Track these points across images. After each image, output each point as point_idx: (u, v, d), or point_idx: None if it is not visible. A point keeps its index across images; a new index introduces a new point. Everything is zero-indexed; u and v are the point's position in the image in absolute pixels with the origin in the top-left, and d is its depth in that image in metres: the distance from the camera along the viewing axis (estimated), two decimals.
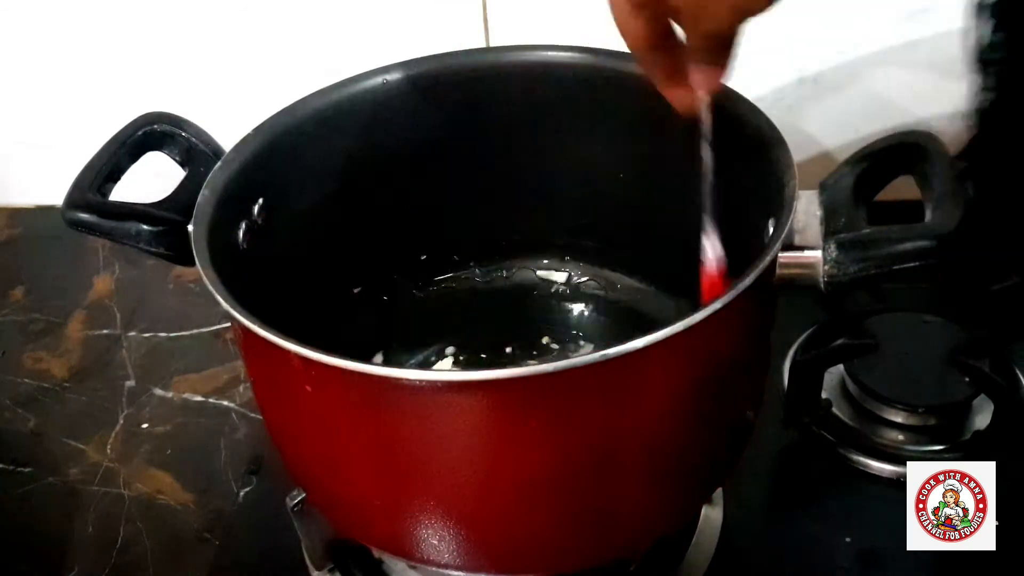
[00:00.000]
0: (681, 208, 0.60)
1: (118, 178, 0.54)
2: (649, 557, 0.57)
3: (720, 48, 0.45)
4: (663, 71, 0.48)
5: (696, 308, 0.41)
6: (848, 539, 0.59)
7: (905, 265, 0.45)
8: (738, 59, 0.46)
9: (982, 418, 0.64)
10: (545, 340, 0.70)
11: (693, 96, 0.48)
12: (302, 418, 0.48)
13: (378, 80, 0.61)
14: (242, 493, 0.66)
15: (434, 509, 0.47)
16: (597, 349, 0.40)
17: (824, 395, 0.65)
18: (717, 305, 0.41)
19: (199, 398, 0.75)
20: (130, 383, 0.77)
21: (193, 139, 0.56)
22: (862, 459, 0.63)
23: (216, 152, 0.56)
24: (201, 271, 0.46)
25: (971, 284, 0.71)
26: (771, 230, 0.46)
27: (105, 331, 0.82)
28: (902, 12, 0.74)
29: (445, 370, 0.67)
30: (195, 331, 0.81)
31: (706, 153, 0.50)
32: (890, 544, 0.57)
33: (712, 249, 0.51)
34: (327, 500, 0.53)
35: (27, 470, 0.70)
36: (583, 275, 0.72)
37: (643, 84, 0.60)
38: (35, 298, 0.88)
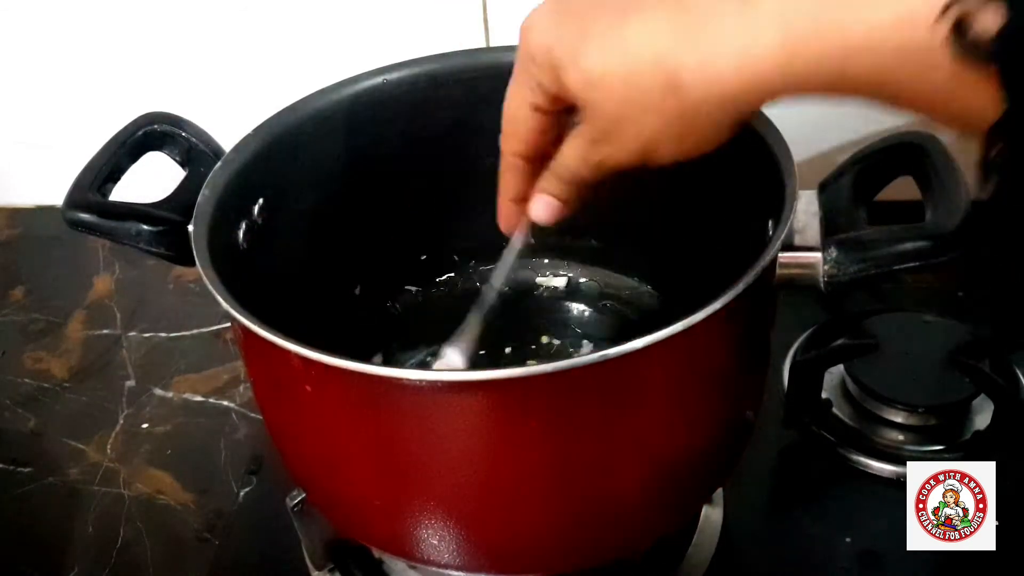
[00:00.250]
0: (680, 208, 0.60)
1: (118, 178, 0.54)
2: (649, 557, 0.57)
3: (584, 187, 0.43)
4: (518, 184, 0.45)
5: (696, 308, 0.41)
6: (848, 539, 0.59)
7: (905, 265, 0.45)
8: None
9: (982, 418, 0.64)
10: (545, 340, 0.70)
11: (521, 219, 0.47)
12: (302, 418, 0.48)
13: (378, 80, 0.61)
14: (242, 493, 0.66)
15: (434, 509, 0.47)
16: (597, 349, 0.40)
17: (824, 395, 0.65)
18: (717, 305, 0.41)
19: (199, 398, 0.75)
20: (130, 383, 0.77)
21: (193, 139, 0.56)
22: (862, 459, 0.63)
23: (216, 152, 0.56)
24: (201, 271, 0.46)
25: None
26: (771, 230, 0.46)
27: (105, 331, 0.82)
28: None
29: (445, 370, 0.66)
30: (195, 331, 0.81)
31: (502, 270, 0.49)
32: (890, 544, 0.57)
33: None
34: (327, 500, 0.53)
35: (27, 470, 0.70)
36: (583, 275, 0.72)
37: None
38: (35, 298, 0.88)
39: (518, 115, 0.43)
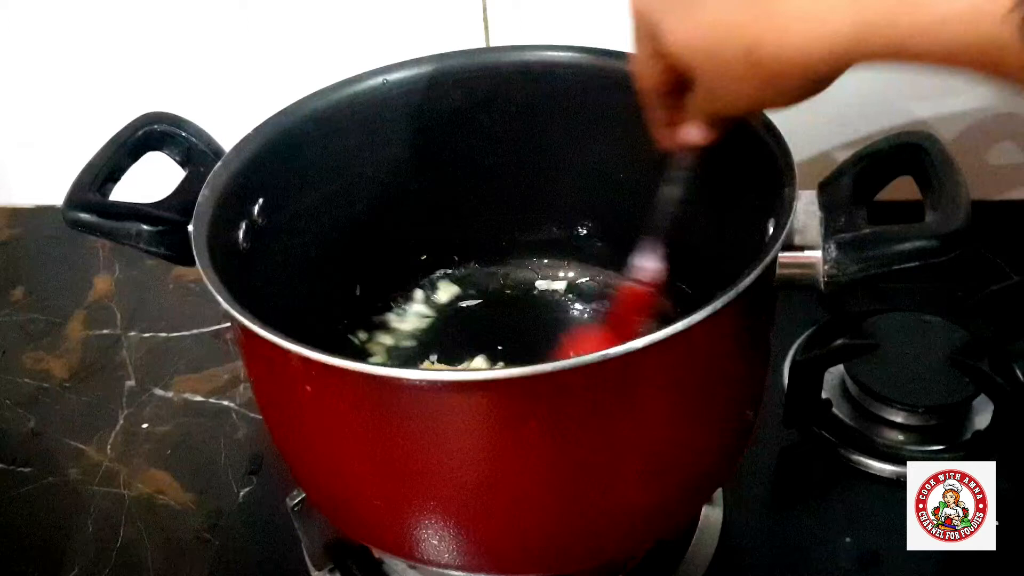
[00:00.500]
0: (680, 208, 0.60)
1: (118, 178, 0.54)
2: (649, 557, 0.57)
3: (722, 122, 0.46)
4: (661, 117, 0.49)
5: (696, 308, 0.41)
6: (848, 539, 0.59)
7: (905, 265, 0.45)
8: None
9: (982, 418, 0.64)
10: (545, 339, 0.70)
11: (679, 143, 0.49)
12: (302, 418, 0.48)
13: (378, 80, 0.61)
14: (242, 493, 0.66)
15: (434, 509, 0.47)
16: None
17: (824, 395, 0.65)
18: (717, 305, 0.41)
19: (199, 398, 0.75)
20: (130, 383, 0.77)
21: (193, 139, 0.56)
22: (862, 459, 0.63)
23: (216, 152, 0.56)
24: (201, 271, 0.46)
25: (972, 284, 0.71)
26: (771, 230, 0.46)
27: (105, 331, 0.82)
28: None
29: (445, 370, 0.66)
30: (195, 331, 0.81)
31: (670, 189, 0.51)
32: (890, 544, 0.57)
33: (649, 264, 0.53)
34: (327, 500, 0.53)
35: (27, 470, 0.70)
36: (583, 275, 0.72)
37: None
38: (35, 298, 0.88)
39: (641, 66, 0.46)
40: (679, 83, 0.45)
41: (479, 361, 0.67)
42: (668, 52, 0.42)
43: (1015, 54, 0.33)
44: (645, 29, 0.44)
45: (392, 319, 0.70)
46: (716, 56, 0.40)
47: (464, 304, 0.72)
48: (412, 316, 0.71)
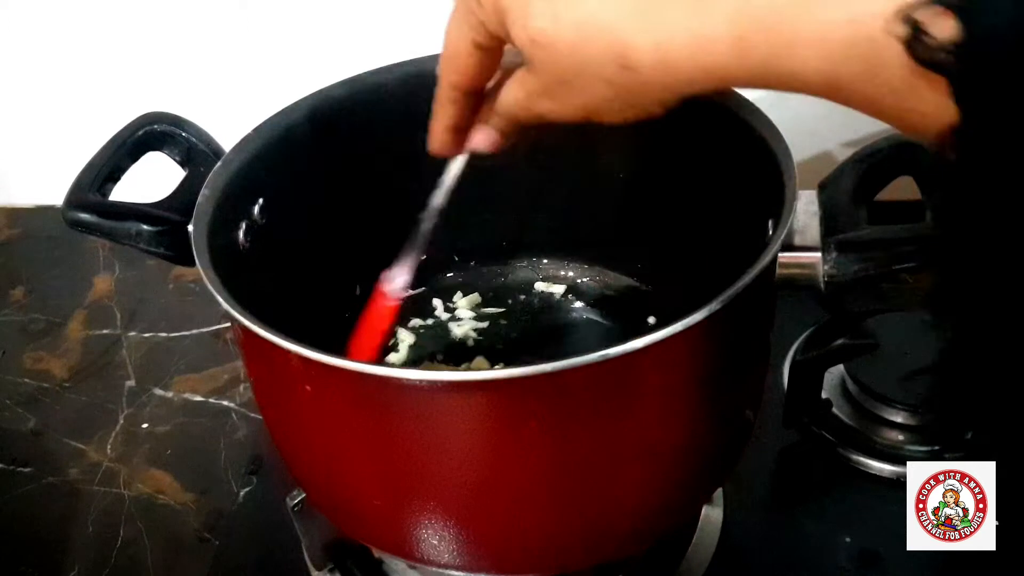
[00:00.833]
0: (680, 208, 0.60)
1: (118, 178, 0.54)
2: (649, 557, 0.57)
3: (523, 128, 0.43)
4: (453, 117, 0.46)
5: (696, 308, 0.41)
6: (848, 539, 0.59)
7: (905, 265, 0.45)
8: None
9: None
10: (545, 340, 0.70)
11: (460, 148, 0.47)
12: (302, 418, 0.48)
13: (378, 80, 0.61)
14: (242, 493, 0.66)
15: (434, 509, 0.47)
16: (597, 349, 0.40)
17: (824, 395, 0.65)
18: (717, 305, 0.41)
19: (199, 398, 0.75)
20: (130, 383, 0.77)
21: (193, 139, 0.56)
22: (862, 459, 0.63)
23: (216, 152, 0.56)
24: (201, 271, 0.46)
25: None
26: (771, 230, 0.46)
27: (105, 331, 0.82)
28: None
29: (444, 370, 0.67)
30: (195, 331, 0.81)
31: (442, 192, 0.51)
32: (890, 544, 0.57)
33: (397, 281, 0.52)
34: (327, 500, 0.53)
35: (27, 470, 0.70)
36: (583, 275, 0.72)
37: None
38: (35, 298, 0.88)
39: (459, 50, 0.42)
40: (489, 78, 0.43)
41: (479, 361, 0.67)
42: (515, 39, 0.38)
43: (895, 73, 0.30)
44: (484, 12, 0.39)
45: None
46: (580, 54, 0.37)
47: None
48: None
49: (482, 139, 0.46)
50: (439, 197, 0.51)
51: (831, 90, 0.33)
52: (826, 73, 0.32)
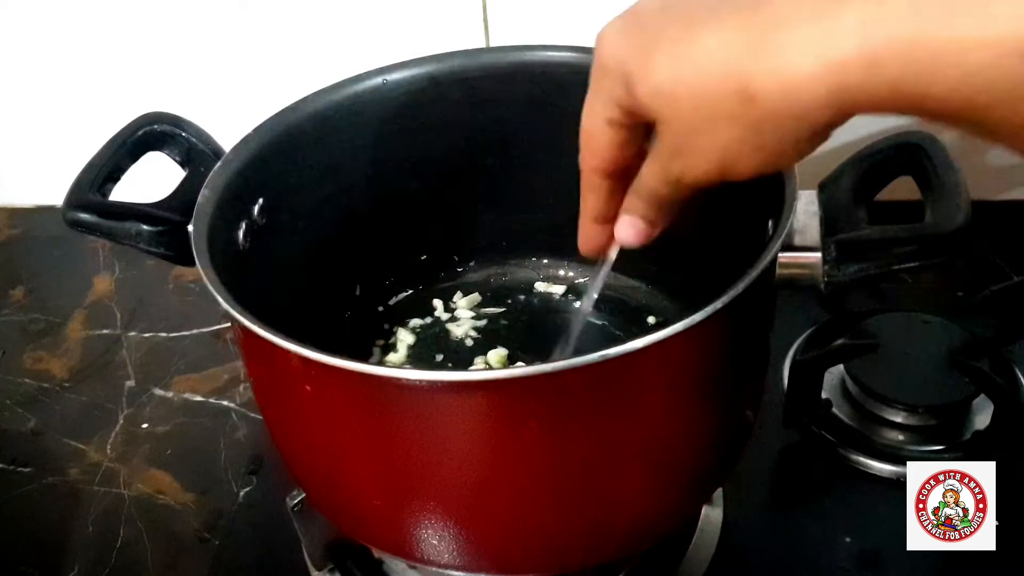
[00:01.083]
0: (680, 208, 0.60)
1: (118, 178, 0.54)
2: (649, 557, 0.57)
3: (669, 206, 0.42)
4: (600, 203, 0.44)
5: (696, 308, 0.41)
6: (848, 539, 0.59)
7: (905, 265, 0.45)
8: None
9: (982, 418, 0.64)
10: (545, 340, 0.70)
11: (608, 243, 0.45)
12: (302, 418, 0.48)
13: (378, 80, 0.61)
14: (242, 493, 0.66)
15: (434, 509, 0.47)
16: (597, 349, 0.40)
17: (824, 395, 0.65)
18: (717, 305, 0.41)
19: (199, 398, 0.75)
20: (130, 383, 0.77)
21: (193, 139, 0.56)
22: (862, 459, 0.63)
23: (216, 152, 0.56)
24: (201, 271, 0.46)
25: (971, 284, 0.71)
26: (771, 230, 0.46)
27: (105, 331, 0.82)
28: None
29: (444, 370, 0.66)
30: (195, 331, 0.81)
31: (594, 290, 0.49)
32: (890, 544, 0.57)
33: None
34: (327, 500, 0.53)
35: (27, 470, 0.70)
36: (583, 275, 0.72)
37: None
38: (35, 298, 0.88)
39: (595, 130, 0.41)
40: (630, 161, 0.41)
41: (493, 356, 0.67)
42: (641, 99, 0.37)
43: None
44: (611, 83, 0.39)
45: (391, 319, 0.71)
46: (703, 96, 0.35)
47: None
48: (411, 316, 0.71)
49: (625, 228, 0.43)
50: (587, 301, 0.51)
51: (967, 115, 0.31)
52: (962, 97, 0.31)
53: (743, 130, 0.35)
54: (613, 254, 0.46)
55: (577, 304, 0.71)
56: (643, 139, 0.40)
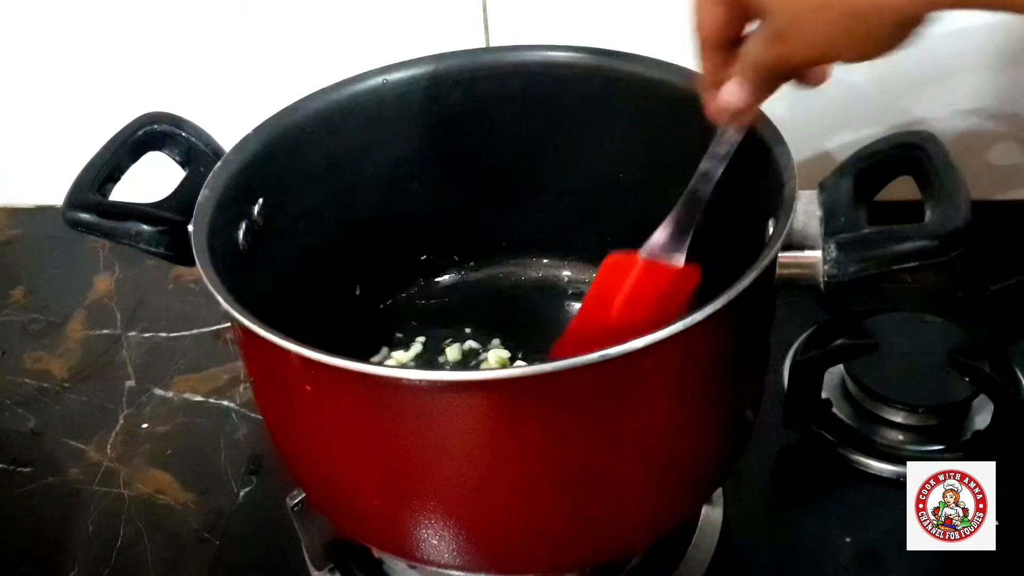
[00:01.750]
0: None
1: (118, 178, 0.54)
2: (649, 557, 0.57)
3: (772, 79, 0.44)
4: (714, 72, 0.46)
5: (696, 308, 0.41)
6: (848, 539, 0.59)
7: (905, 265, 0.45)
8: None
9: (982, 418, 0.64)
10: (545, 340, 0.70)
11: (722, 107, 0.47)
12: (302, 418, 0.48)
13: (378, 80, 0.61)
14: (242, 493, 0.66)
15: (434, 509, 0.47)
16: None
17: (824, 395, 0.65)
18: (717, 305, 0.41)
19: (199, 398, 0.75)
20: (130, 383, 0.77)
21: (193, 139, 0.56)
22: (862, 459, 0.63)
23: (216, 152, 0.56)
24: (201, 271, 0.46)
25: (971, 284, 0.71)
26: (771, 230, 0.46)
27: (105, 331, 0.82)
28: None
29: (445, 370, 0.66)
30: (195, 331, 0.81)
31: (709, 163, 0.50)
32: (890, 544, 0.57)
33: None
34: (327, 500, 0.53)
35: (27, 470, 0.70)
36: (583, 275, 0.72)
37: (643, 85, 0.60)
38: (35, 298, 0.88)
39: (704, 4, 0.44)
40: (739, 31, 0.43)
41: (493, 356, 0.67)
42: None
43: None
44: None
45: (391, 319, 0.71)
46: None
47: (464, 304, 0.72)
48: (411, 316, 0.71)
49: (731, 92, 0.45)
50: (716, 165, 0.51)
51: None
52: None
53: (842, 20, 0.38)
54: (731, 129, 0.49)
55: (577, 304, 0.71)
56: (748, 19, 0.43)
